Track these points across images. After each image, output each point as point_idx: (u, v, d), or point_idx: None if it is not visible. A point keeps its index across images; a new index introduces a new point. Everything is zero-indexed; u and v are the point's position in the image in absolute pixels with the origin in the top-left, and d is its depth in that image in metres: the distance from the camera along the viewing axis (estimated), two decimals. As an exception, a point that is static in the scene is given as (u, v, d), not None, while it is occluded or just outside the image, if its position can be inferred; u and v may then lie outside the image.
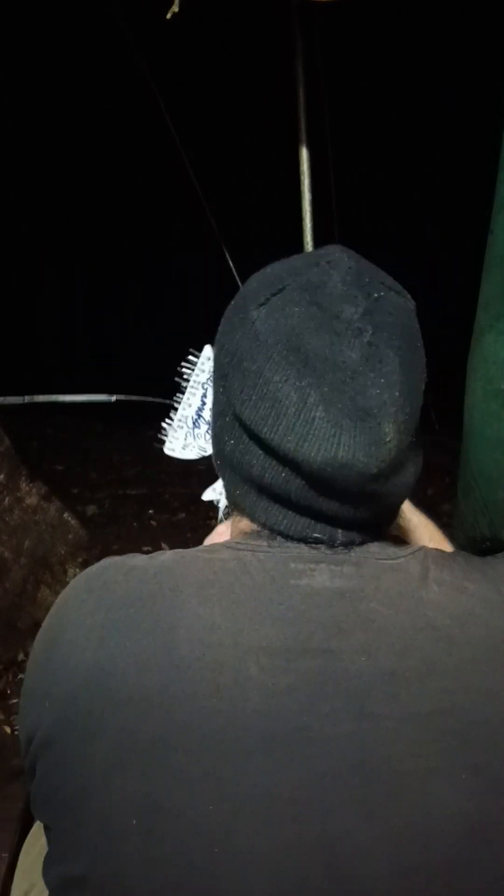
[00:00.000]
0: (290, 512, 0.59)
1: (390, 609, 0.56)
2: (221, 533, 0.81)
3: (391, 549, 0.61)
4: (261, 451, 0.57)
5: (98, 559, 0.66)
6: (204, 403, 0.97)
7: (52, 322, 6.64)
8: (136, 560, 0.61)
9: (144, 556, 0.62)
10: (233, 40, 4.70)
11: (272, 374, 0.54)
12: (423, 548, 0.63)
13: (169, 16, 1.29)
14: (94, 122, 5.64)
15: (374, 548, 0.60)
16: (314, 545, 0.59)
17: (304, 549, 0.59)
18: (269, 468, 0.57)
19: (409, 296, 0.60)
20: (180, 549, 0.62)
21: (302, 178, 1.65)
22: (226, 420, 0.60)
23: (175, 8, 1.28)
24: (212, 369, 0.97)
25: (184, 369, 0.99)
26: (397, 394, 0.54)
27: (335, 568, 0.58)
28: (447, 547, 0.85)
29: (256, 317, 0.56)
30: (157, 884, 0.52)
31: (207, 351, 0.98)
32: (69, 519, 2.73)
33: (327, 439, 0.53)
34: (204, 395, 0.98)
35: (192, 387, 0.99)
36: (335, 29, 1.95)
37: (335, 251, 0.61)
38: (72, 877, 0.55)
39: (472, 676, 0.55)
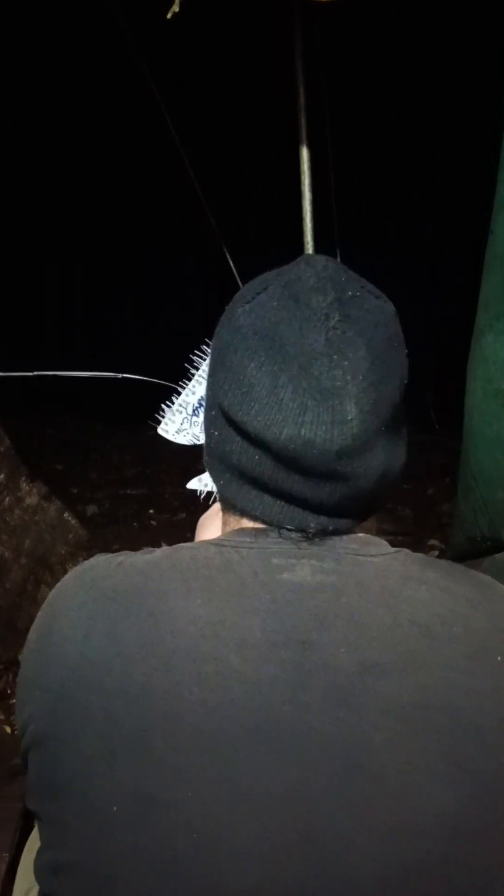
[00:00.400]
0: (265, 496, 0.61)
1: (371, 604, 0.58)
2: (216, 511, 0.83)
3: (373, 548, 0.62)
4: (238, 437, 0.61)
5: (98, 559, 0.70)
6: None
7: (53, 322, 6.64)
8: (126, 556, 0.63)
9: (135, 553, 0.63)
10: (233, 40, 4.70)
11: (249, 362, 0.59)
12: (405, 550, 0.65)
13: (169, 16, 1.29)
14: (95, 122, 5.64)
15: (355, 544, 0.62)
16: (295, 541, 0.61)
17: (285, 544, 0.61)
18: (244, 451, 0.61)
19: (389, 302, 0.64)
20: (170, 546, 0.63)
21: (302, 178, 1.65)
22: (211, 414, 0.64)
23: (175, 8, 1.28)
24: None
25: (195, 357, 0.99)
26: (361, 378, 0.57)
27: (316, 563, 0.60)
28: None
29: (241, 313, 0.61)
30: (141, 872, 0.52)
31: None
32: (69, 519, 2.73)
33: (292, 417, 0.57)
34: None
35: (199, 375, 0.99)
36: (336, 29, 1.95)
37: (320, 256, 0.65)
38: (59, 864, 0.56)
39: (454, 673, 0.56)
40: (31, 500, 2.54)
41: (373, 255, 5.70)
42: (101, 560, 0.64)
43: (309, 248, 1.68)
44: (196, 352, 0.98)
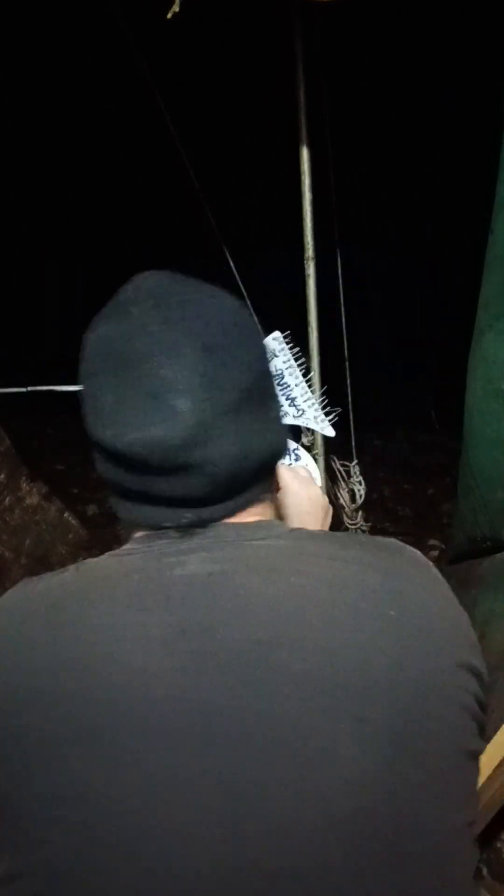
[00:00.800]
0: (138, 503, 0.66)
1: (261, 584, 0.61)
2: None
3: (264, 531, 0.66)
4: (102, 455, 0.66)
5: (98, 558, 0.72)
6: None
7: (53, 322, 6.64)
8: (43, 578, 0.67)
9: (51, 573, 0.67)
10: (233, 40, 4.71)
11: (96, 384, 0.64)
12: (301, 529, 0.69)
13: (169, 16, 1.29)
14: (95, 123, 5.64)
15: (246, 531, 0.66)
16: (180, 537, 0.65)
17: (174, 542, 0.65)
18: (110, 468, 0.66)
19: (229, 298, 0.68)
20: (82, 561, 0.68)
21: (302, 178, 1.66)
22: (91, 442, 0.68)
23: (175, 8, 1.28)
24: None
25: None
26: (189, 372, 0.61)
27: (206, 554, 0.63)
28: None
29: (86, 343, 0.66)
30: (84, 869, 0.54)
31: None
32: (69, 519, 2.74)
33: (132, 423, 0.61)
34: None
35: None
36: (336, 29, 1.95)
37: (148, 272, 0.69)
38: (8, 874, 0.58)
39: (343, 634, 0.59)
40: (32, 500, 2.54)
41: (373, 255, 5.71)
42: (20, 585, 0.68)
43: (309, 248, 1.68)
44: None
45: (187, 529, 0.65)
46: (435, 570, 0.68)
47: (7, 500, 2.42)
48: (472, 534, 1.91)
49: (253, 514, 0.68)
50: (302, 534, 0.68)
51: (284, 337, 1.06)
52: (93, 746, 0.56)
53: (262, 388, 0.67)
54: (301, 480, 0.92)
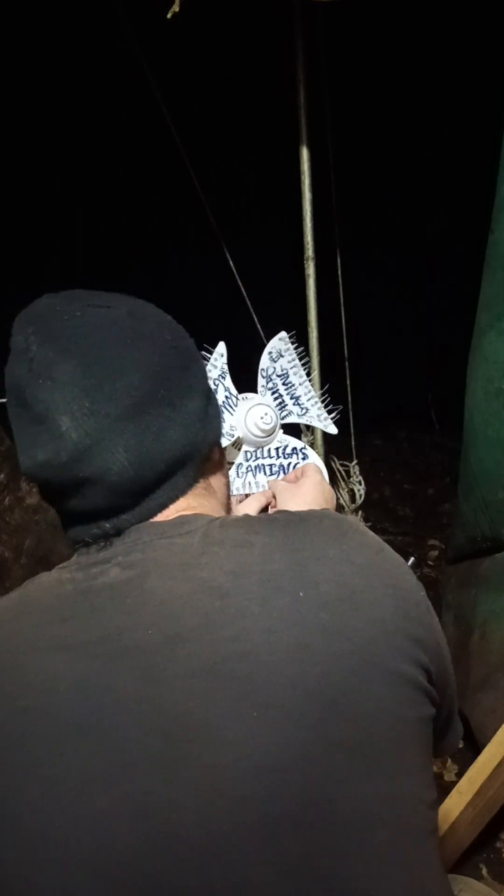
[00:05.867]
0: (66, 523, 0.71)
1: (170, 581, 0.62)
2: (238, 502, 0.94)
3: (185, 527, 0.67)
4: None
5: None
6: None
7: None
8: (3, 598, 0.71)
9: (3, 598, 0.71)
10: (233, 40, 4.71)
11: (9, 418, 0.68)
12: (217, 518, 0.69)
13: (169, 15, 1.29)
14: (95, 123, 5.64)
15: (167, 527, 0.67)
16: (103, 547, 0.67)
17: (99, 552, 0.67)
18: (42, 493, 0.71)
19: (121, 308, 0.69)
20: (33, 578, 0.71)
21: (302, 178, 1.65)
22: None
23: (175, 7, 1.28)
24: (224, 365, 1.01)
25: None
26: (67, 390, 0.63)
27: (124, 559, 0.65)
28: None
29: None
30: (9, 867, 0.57)
31: (221, 347, 1.00)
32: (69, 519, 2.73)
33: (27, 448, 0.65)
34: (214, 391, 1.00)
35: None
36: (337, 28, 1.95)
37: (41, 298, 0.71)
38: None
39: (246, 621, 0.59)
40: (32, 499, 2.54)
41: (373, 255, 5.70)
42: None
43: (309, 248, 1.68)
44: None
45: (108, 539, 0.68)
46: (357, 536, 0.67)
47: (7, 500, 2.42)
48: (473, 534, 1.91)
49: (176, 511, 0.69)
50: (222, 522, 0.68)
51: (290, 337, 1.06)
52: (16, 750, 0.58)
53: (169, 387, 0.67)
54: (324, 482, 0.92)
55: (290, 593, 0.61)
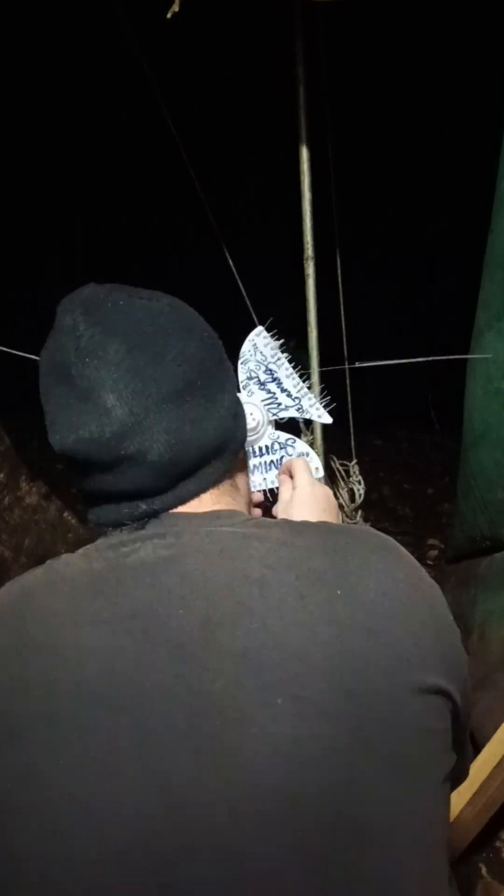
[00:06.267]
0: (97, 504, 0.71)
1: (207, 566, 0.63)
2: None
3: (222, 521, 0.68)
4: (64, 464, 0.70)
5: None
6: None
7: (52, 318, 6.62)
8: (18, 579, 0.71)
9: (28, 572, 0.71)
10: (233, 40, 4.70)
11: (47, 398, 0.69)
12: (254, 517, 0.71)
13: (169, 15, 1.29)
14: (95, 123, 5.64)
15: (202, 520, 0.68)
16: (136, 528, 0.68)
17: (132, 532, 0.68)
18: (72, 475, 0.70)
19: (163, 300, 0.72)
20: (55, 558, 0.71)
21: (302, 178, 1.65)
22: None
23: (175, 7, 1.28)
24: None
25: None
26: (114, 368, 0.65)
27: (158, 541, 0.66)
28: None
29: (39, 364, 0.71)
30: (30, 850, 0.57)
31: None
32: (69, 518, 2.73)
33: (69, 424, 0.66)
34: None
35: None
36: (337, 28, 1.95)
37: (86, 286, 0.73)
38: None
39: (285, 612, 0.60)
40: (31, 499, 2.54)
41: (373, 255, 5.70)
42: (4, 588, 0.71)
43: (309, 248, 1.68)
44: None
45: (142, 521, 0.69)
46: (401, 555, 0.69)
47: (7, 499, 2.42)
48: (472, 533, 1.91)
49: (208, 504, 0.71)
50: (259, 522, 0.70)
51: (271, 334, 1.06)
52: (47, 726, 0.59)
53: (207, 379, 0.70)
54: (316, 483, 0.93)
55: (329, 590, 0.62)
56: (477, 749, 1.56)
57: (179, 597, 0.62)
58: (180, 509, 0.70)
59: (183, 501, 0.70)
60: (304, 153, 1.64)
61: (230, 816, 0.55)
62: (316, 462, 1.08)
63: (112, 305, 0.69)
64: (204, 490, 0.71)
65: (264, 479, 1.05)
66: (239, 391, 1.05)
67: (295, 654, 0.59)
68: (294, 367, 1.07)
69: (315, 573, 0.63)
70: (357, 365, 1.65)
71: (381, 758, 0.58)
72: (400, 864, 0.57)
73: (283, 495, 0.95)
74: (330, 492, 0.94)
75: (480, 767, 1.48)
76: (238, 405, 0.76)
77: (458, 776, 0.71)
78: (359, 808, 0.57)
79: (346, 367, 1.82)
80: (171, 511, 0.69)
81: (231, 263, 1.70)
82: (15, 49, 4.64)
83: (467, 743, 0.75)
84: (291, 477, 0.96)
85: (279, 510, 0.95)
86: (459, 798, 1.50)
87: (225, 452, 0.73)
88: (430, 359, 1.67)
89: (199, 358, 0.70)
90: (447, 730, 0.64)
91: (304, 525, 0.70)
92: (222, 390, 0.73)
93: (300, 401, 1.08)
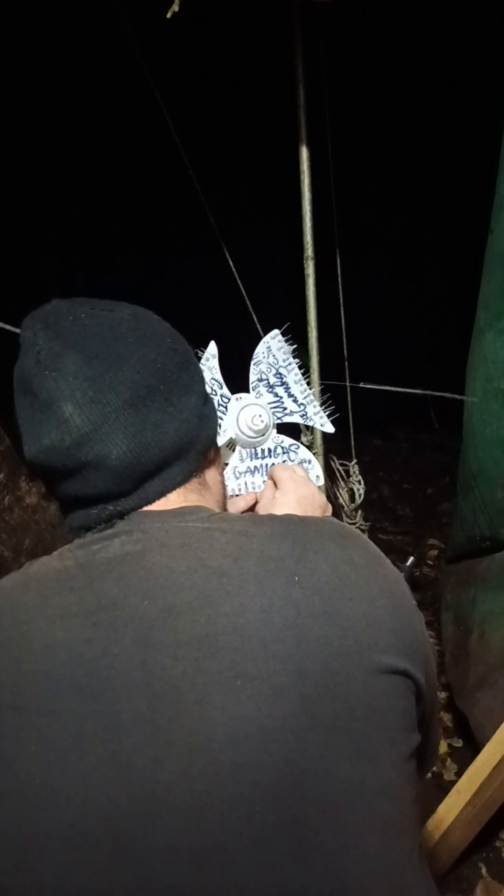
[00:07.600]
0: (69, 509, 0.74)
1: (170, 559, 0.66)
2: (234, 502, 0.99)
3: (188, 517, 0.71)
4: (39, 475, 0.73)
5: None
6: None
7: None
8: (10, 576, 0.74)
9: (7, 576, 0.74)
10: (233, 39, 4.71)
11: (17, 412, 0.72)
12: (225, 513, 0.74)
13: (169, 15, 1.29)
14: (94, 122, 5.64)
15: (170, 517, 0.71)
16: (104, 528, 0.71)
17: (102, 532, 0.71)
18: (45, 483, 0.74)
19: (124, 310, 0.74)
20: (29, 562, 0.74)
21: (302, 178, 1.65)
22: None
23: (175, 7, 1.28)
24: (215, 367, 1.01)
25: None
26: (71, 379, 0.68)
27: (126, 538, 0.69)
28: None
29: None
30: (2, 834, 0.59)
31: (212, 348, 1.01)
32: (69, 518, 2.73)
33: (34, 434, 0.69)
34: (211, 393, 1.00)
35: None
36: (337, 28, 1.95)
37: (52, 301, 0.75)
38: None
39: (242, 599, 0.63)
40: (31, 499, 2.54)
41: (373, 255, 5.71)
42: None
43: (309, 248, 1.68)
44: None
45: (111, 521, 0.72)
46: (360, 543, 0.71)
47: (6, 499, 2.42)
48: (472, 533, 1.91)
49: (174, 502, 0.74)
50: (223, 516, 0.72)
51: (286, 339, 1.06)
52: (18, 715, 0.61)
53: (169, 384, 0.73)
54: (297, 480, 0.94)
55: (287, 576, 0.64)
56: (476, 749, 1.56)
57: (144, 589, 0.65)
58: (147, 508, 0.73)
59: (149, 501, 0.73)
60: (304, 153, 1.64)
61: (187, 794, 0.58)
62: (317, 470, 1.08)
63: (73, 319, 0.71)
64: (169, 489, 0.73)
65: (264, 481, 1.05)
66: (248, 391, 1.05)
67: (252, 637, 0.61)
68: (304, 374, 1.08)
69: (273, 560, 0.65)
70: (361, 385, 1.68)
71: (338, 735, 0.60)
72: (354, 838, 0.59)
73: (266, 494, 0.97)
74: (316, 491, 0.95)
75: (480, 767, 1.48)
76: (206, 407, 0.79)
77: (424, 755, 0.73)
78: (313, 783, 0.59)
79: (348, 384, 1.82)
80: (138, 510, 0.72)
81: (231, 263, 1.69)
82: (15, 49, 4.64)
83: (435, 722, 0.77)
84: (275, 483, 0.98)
85: (259, 508, 0.97)
86: (459, 798, 1.50)
87: (189, 452, 0.75)
88: (429, 392, 1.69)
89: (160, 364, 0.72)
90: (409, 709, 0.66)
91: (266, 517, 0.73)
92: (187, 393, 0.75)
93: (305, 407, 1.09)
